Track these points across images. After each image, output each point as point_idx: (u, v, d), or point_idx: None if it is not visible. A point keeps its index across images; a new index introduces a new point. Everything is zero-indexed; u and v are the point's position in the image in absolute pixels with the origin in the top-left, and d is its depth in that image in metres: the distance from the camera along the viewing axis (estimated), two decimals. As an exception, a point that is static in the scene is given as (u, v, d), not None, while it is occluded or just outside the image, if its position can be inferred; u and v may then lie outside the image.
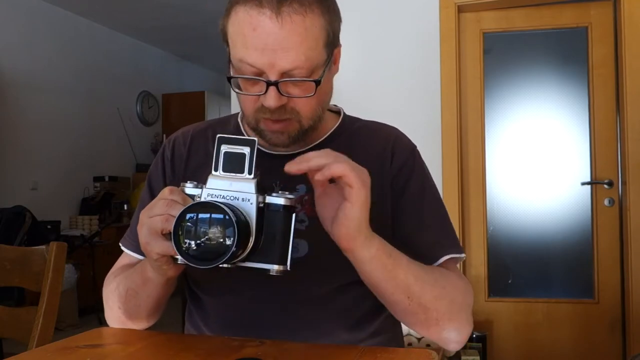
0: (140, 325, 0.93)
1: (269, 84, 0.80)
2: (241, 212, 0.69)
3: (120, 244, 1.03)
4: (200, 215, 0.66)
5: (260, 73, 0.81)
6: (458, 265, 0.98)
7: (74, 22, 5.38)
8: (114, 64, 5.90)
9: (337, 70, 0.94)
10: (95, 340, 0.83)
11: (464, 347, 2.65)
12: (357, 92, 2.69)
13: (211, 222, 0.66)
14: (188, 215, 0.66)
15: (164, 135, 6.53)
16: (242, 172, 0.72)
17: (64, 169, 5.24)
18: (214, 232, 0.66)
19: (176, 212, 0.68)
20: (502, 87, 2.90)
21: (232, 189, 0.71)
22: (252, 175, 0.72)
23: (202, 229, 0.66)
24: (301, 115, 0.86)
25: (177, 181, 0.98)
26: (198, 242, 0.66)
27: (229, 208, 0.66)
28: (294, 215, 0.74)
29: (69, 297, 4.22)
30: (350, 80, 2.73)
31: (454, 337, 0.86)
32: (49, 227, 4.58)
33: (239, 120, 1.02)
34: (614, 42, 2.74)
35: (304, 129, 0.88)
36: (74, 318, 4.41)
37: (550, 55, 2.91)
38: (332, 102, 1.02)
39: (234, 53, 0.83)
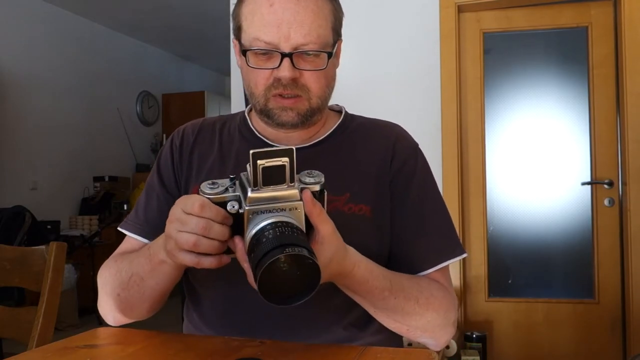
0: (138, 316, 0.91)
1: (283, 55, 0.85)
2: (300, 238, 0.66)
3: (120, 229, 1.01)
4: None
5: (275, 48, 0.85)
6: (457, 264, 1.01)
7: (75, 23, 5.38)
8: (114, 63, 5.89)
9: (338, 64, 0.97)
10: (95, 340, 0.83)
11: (464, 347, 2.65)
12: (357, 92, 2.69)
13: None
14: None
15: (164, 135, 6.53)
16: (284, 182, 0.69)
17: (64, 169, 5.23)
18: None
19: (214, 234, 0.69)
20: (502, 87, 2.90)
21: (277, 201, 0.69)
22: (293, 183, 0.70)
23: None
24: (311, 92, 0.89)
25: (183, 168, 1.01)
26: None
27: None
28: (325, 193, 0.74)
29: (69, 297, 4.22)
30: (350, 79, 2.73)
31: (429, 343, 0.91)
32: (48, 227, 4.58)
33: (246, 114, 1.04)
34: (614, 42, 2.74)
35: (312, 108, 0.91)
36: (74, 318, 4.41)
37: (550, 55, 2.91)
38: (334, 102, 1.03)
39: (249, 32, 0.87)
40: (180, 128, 1.06)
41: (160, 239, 0.81)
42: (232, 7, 3.39)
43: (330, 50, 0.88)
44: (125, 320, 0.94)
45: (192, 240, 0.70)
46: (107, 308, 0.93)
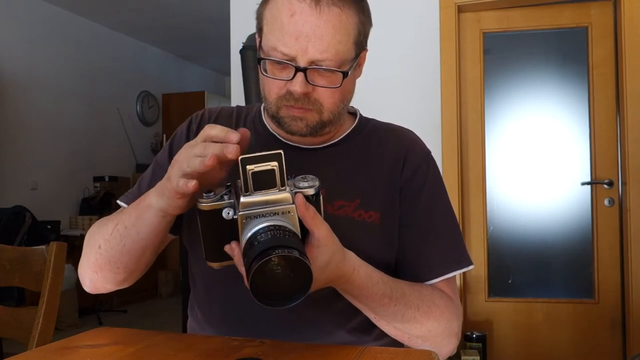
0: (115, 276, 0.90)
1: (297, 69, 0.83)
2: (293, 240, 0.66)
3: (119, 202, 1.01)
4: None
5: (291, 60, 0.84)
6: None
7: (75, 23, 5.38)
8: (114, 64, 5.89)
9: (360, 74, 0.96)
10: (95, 340, 0.83)
11: (464, 347, 2.65)
12: (356, 92, 2.68)
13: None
14: None
15: (164, 135, 6.52)
16: (275, 186, 0.69)
17: (64, 168, 5.23)
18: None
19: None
20: (502, 87, 2.90)
21: (270, 205, 0.69)
22: (285, 187, 0.70)
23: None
24: (323, 107, 0.88)
25: None
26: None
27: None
28: (321, 197, 0.74)
29: (69, 297, 4.21)
30: (350, 80, 2.73)
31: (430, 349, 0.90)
32: (49, 227, 4.58)
33: (262, 108, 1.04)
34: (614, 42, 2.74)
35: (323, 121, 0.89)
36: (74, 318, 4.41)
37: (550, 55, 2.91)
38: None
39: (268, 39, 0.86)
40: (199, 112, 1.06)
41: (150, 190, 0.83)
42: (233, 6, 3.35)
43: (346, 69, 0.86)
44: (100, 284, 0.93)
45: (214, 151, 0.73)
46: (85, 264, 0.92)
